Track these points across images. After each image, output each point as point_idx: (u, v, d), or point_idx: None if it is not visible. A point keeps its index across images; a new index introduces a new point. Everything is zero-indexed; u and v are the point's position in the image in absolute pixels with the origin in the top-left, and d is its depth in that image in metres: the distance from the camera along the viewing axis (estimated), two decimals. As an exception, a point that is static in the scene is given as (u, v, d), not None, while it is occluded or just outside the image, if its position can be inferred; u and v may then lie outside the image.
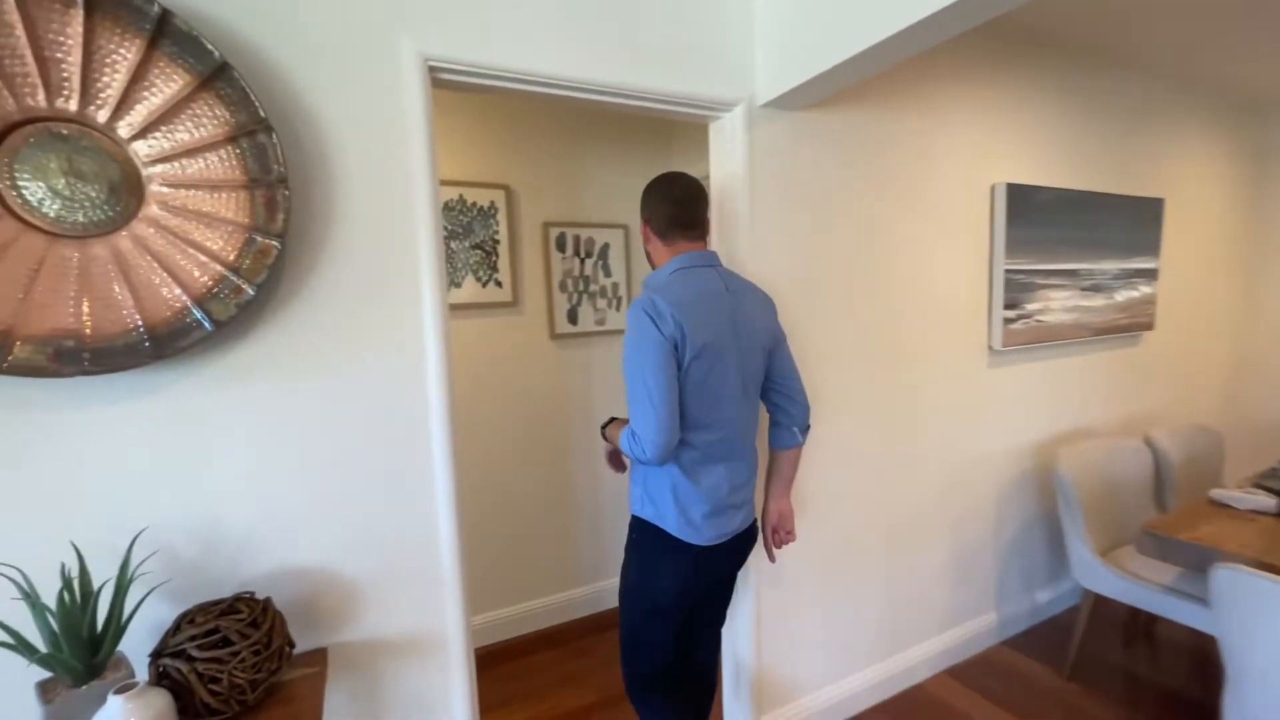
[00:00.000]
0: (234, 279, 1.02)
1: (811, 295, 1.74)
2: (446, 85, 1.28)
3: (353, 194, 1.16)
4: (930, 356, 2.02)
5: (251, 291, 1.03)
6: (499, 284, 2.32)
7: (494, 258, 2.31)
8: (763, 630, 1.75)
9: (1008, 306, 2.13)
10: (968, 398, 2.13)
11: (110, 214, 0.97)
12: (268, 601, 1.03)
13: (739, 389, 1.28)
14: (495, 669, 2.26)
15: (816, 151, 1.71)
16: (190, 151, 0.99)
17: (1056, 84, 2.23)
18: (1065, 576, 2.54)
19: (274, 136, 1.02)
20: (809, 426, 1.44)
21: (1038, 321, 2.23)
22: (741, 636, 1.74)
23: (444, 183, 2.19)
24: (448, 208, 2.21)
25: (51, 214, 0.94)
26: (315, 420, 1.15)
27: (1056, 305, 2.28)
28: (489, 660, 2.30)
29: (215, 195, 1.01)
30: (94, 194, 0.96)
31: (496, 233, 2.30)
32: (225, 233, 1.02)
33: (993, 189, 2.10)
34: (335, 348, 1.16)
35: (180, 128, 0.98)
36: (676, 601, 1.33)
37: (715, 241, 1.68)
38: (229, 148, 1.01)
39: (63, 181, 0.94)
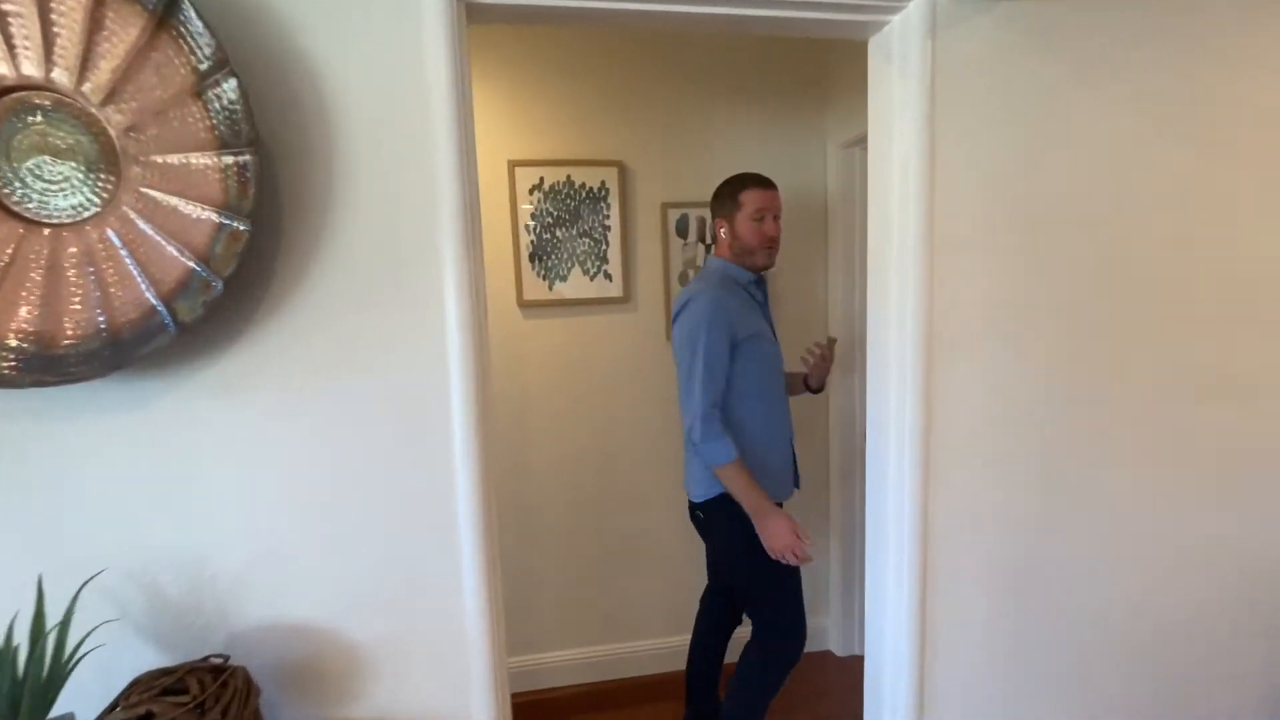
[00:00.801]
0: (202, 272, 0.82)
1: (1031, 292, 1.13)
2: (486, 15, 0.97)
3: (359, 168, 0.91)
4: (1244, 383, 1.25)
5: (219, 287, 0.82)
6: (609, 276, 2.01)
7: (604, 246, 2.00)
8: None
9: None
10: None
11: (87, 197, 0.82)
12: (230, 675, 0.82)
13: None
14: (589, 714, 1.98)
15: (1039, 59, 1.09)
16: (159, 113, 0.80)
17: None
18: None
19: (236, 82, 0.79)
20: (695, 443, 1.43)
21: None
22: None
23: (549, 163, 1.94)
24: (553, 192, 1.96)
25: (29, 199, 0.81)
26: (313, 447, 0.93)
27: None
28: (586, 702, 2.03)
29: (186, 167, 0.82)
30: (69, 173, 0.82)
31: (607, 217, 1.99)
32: (195, 215, 0.82)
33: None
34: (337, 360, 0.93)
35: (148, 84, 0.80)
36: None
37: (872, 219, 1.17)
38: (196, 104, 0.80)
39: (38, 160, 0.81)
